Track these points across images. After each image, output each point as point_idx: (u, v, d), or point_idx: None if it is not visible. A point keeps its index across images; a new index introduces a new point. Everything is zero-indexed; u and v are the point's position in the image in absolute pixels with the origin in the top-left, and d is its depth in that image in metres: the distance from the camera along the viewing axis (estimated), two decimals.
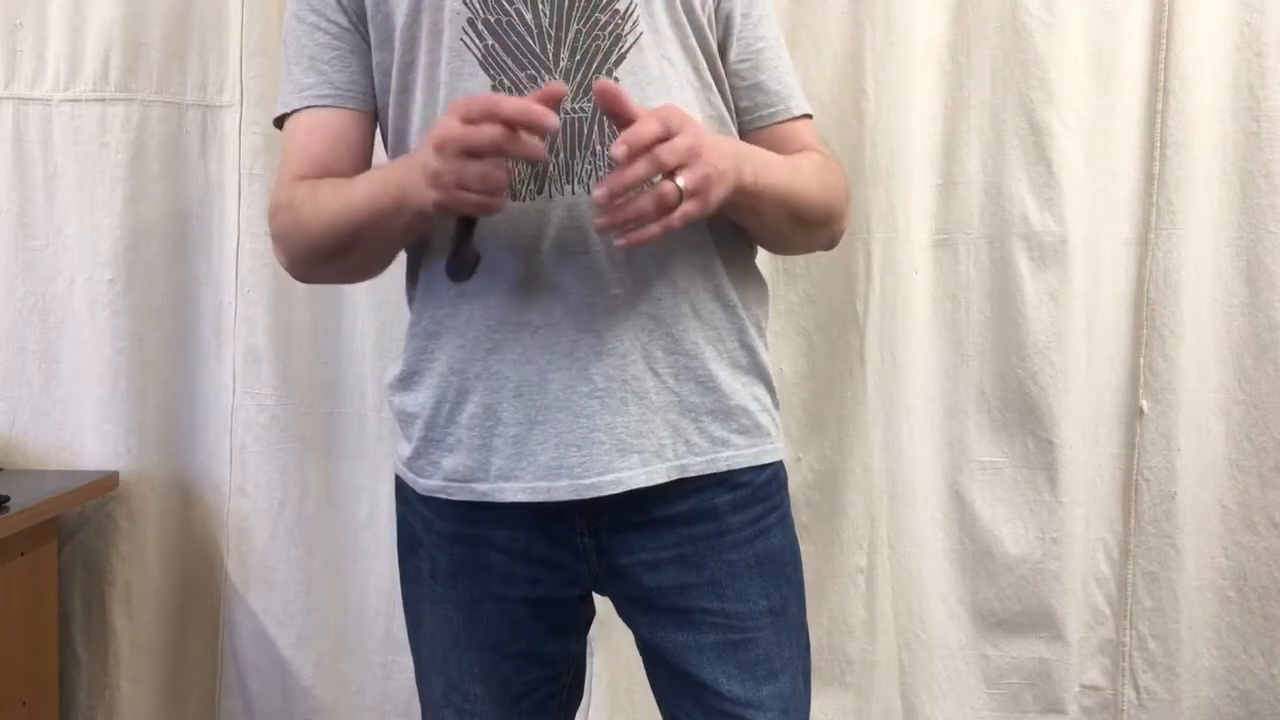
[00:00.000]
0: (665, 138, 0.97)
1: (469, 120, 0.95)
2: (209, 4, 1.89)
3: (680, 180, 0.97)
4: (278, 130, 1.22)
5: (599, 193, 0.97)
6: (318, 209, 1.12)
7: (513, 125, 0.95)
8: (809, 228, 1.20)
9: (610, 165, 0.99)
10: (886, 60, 1.83)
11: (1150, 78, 1.83)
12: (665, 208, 0.98)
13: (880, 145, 1.84)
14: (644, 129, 0.96)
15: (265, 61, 1.88)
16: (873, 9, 1.82)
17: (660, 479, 1.12)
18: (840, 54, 1.84)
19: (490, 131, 0.95)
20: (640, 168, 0.96)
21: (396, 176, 1.04)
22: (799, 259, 1.86)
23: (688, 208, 0.99)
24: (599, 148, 1.09)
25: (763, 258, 1.28)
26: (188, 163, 1.93)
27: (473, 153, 0.96)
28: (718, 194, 1.02)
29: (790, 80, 1.23)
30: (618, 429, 1.10)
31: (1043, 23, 1.81)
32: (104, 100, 1.89)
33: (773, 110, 1.21)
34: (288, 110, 1.20)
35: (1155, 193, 1.84)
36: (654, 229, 0.99)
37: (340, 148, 1.18)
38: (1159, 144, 1.83)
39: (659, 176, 0.98)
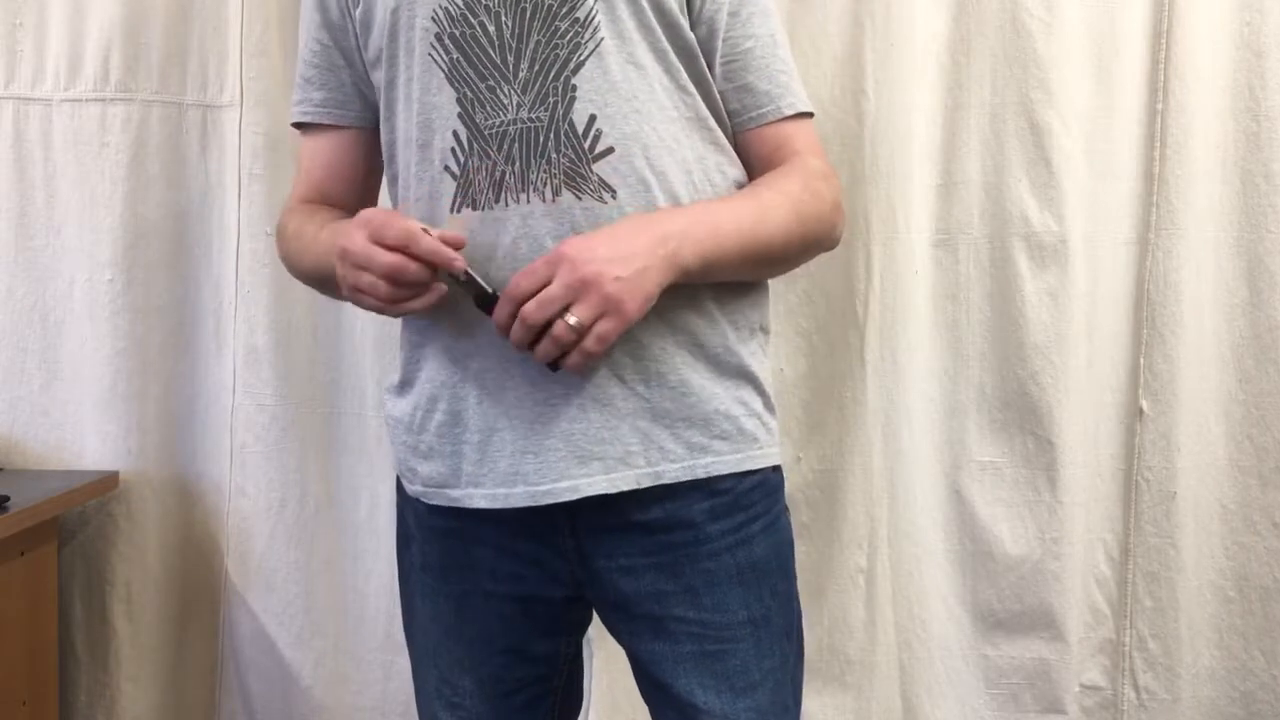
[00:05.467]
0: (531, 294, 1.02)
1: (379, 242, 1.04)
2: (209, 4, 1.90)
3: (572, 318, 1.01)
4: (281, 130, 1.29)
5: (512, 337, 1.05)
6: (300, 247, 1.23)
7: (421, 261, 1.04)
8: (783, 261, 1.20)
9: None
10: (886, 60, 1.83)
11: (1150, 78, 1.83)
12: (565, 347, 1.03)
13: (880, 145, 1.83)
14: (496, 318, 1.05)
15: (265, 62, 1.88)
16: (873, 9, 1.82)
17: (628, 486, 1.11)
18: (840, 54, 1.84)
19: (389, 260, 1.03)
20: (518, 334, 1.03)
21: (334, 247, 1.11)
22: None
23: (602, 328, 1.02)
24: (554, 155, 1.09)
25: None
26: (188, 163, 1.93)
27: (370, 271, 1.05)
28: (637, 301, 1.04)
29: (784, 79, 1.19)
30: (575, 436, 1.10)
31: (1043, 23, 1.80)
32: (104, 100, 1.89)
33: (761, 111, 1.18)
34: (292, 120, 1.32)
35: (1155, 193, 1.84)
36: (575, 359, 1.04)
37: (332, 171, 1.29)
38: (1159, 144, 1.83)
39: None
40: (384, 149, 1.22)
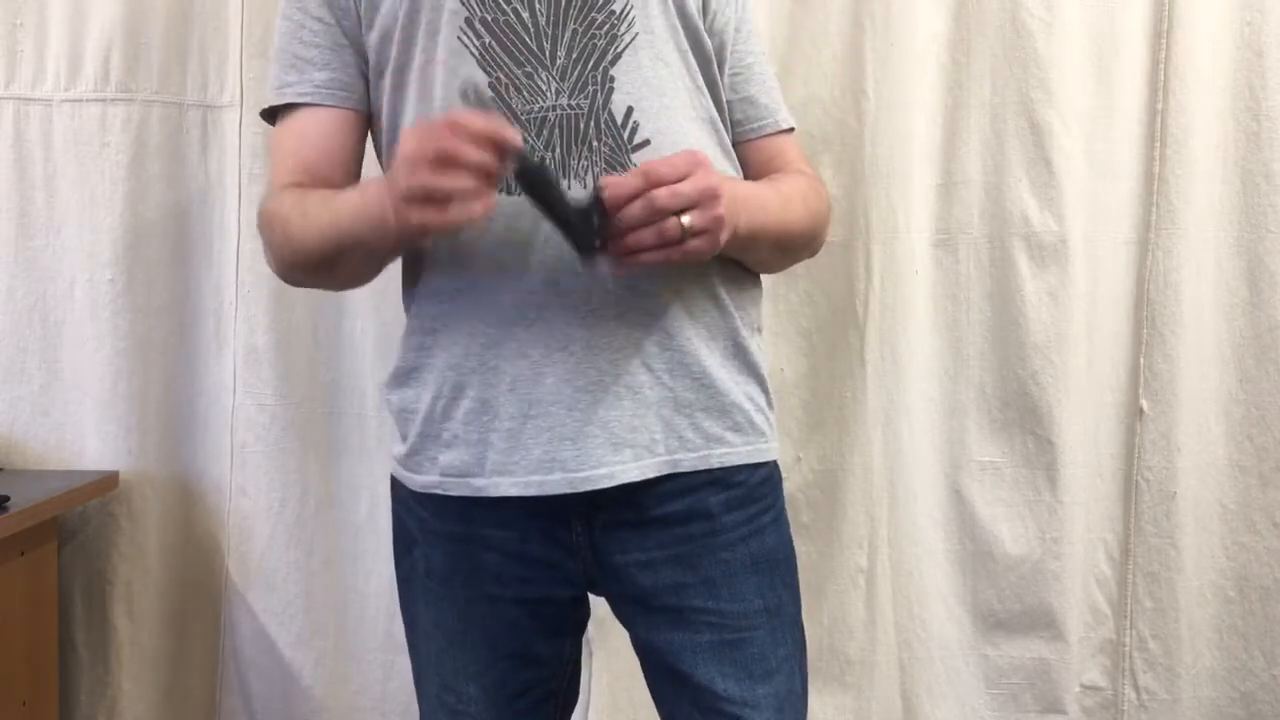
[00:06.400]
0: (668, 182, 0.99)
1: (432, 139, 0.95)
2: (209, 4, 1.89)
3: (686, 219, 1.00)
4: (269, 125, 1.24)
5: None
6: (305, 223, 1.12)
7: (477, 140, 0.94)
8: (793, 253, 1.26)
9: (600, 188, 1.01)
10: (886, 60, 1.83)
11: (1150, 77, 1.83)
12: (667, 242, 1.01)
13: (880, 145, 1.84)
14: (625, 183, 1.00)
15: (265, 62, 1.86)
16: (873, 9, 1.82)
17: (651, 473, 1.13)
18: (840, 54, 1.84)
19: (443, 142, 0.93)
20: (640, 211, 0.99)
21: (382, 193, 1.03)
22: None
23: (696, 244, 1.02)
24: (595, 143, 1.11)
25: None
26: (188, 163, 1.93)
27: (433, 163, 0.94)
28: (724, 236, 1.05)
29: (776, 94, 1.28)
30: (611, 424, 1.11)
31: (1043, 23, 1.81)
32: (104, 100, 1.89)
33: (763, 123, 1.25)
34: (267, 105, 1.22)
35: (1155, 192, 1.84)
36: (653, 256, 1.01)
37: (328, 152, 1.20)
38: (1159, 143, 1.83)
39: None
40: (384, 134, 1.20)
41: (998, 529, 1.88)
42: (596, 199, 1.01)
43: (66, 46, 1.88)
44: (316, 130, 1.20)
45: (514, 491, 1.12)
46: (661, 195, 0.99)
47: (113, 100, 1.89)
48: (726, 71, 1.23)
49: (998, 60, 1.83)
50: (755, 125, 1.25)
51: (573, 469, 1.11)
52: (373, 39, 1.18)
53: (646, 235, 1.00)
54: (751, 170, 1.25)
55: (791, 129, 1.29)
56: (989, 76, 1.83)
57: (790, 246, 1.23)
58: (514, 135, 0.95)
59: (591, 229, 1.01)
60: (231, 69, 1.90)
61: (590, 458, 1.11)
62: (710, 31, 1.20)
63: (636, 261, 1.02)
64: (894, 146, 1.84)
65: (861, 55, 1.83)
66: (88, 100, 1.89)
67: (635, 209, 0.99)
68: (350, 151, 1.22)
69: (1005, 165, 1.84)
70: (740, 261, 1.21)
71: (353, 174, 1.23)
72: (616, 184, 1.00)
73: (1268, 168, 1.82)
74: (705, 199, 1.01)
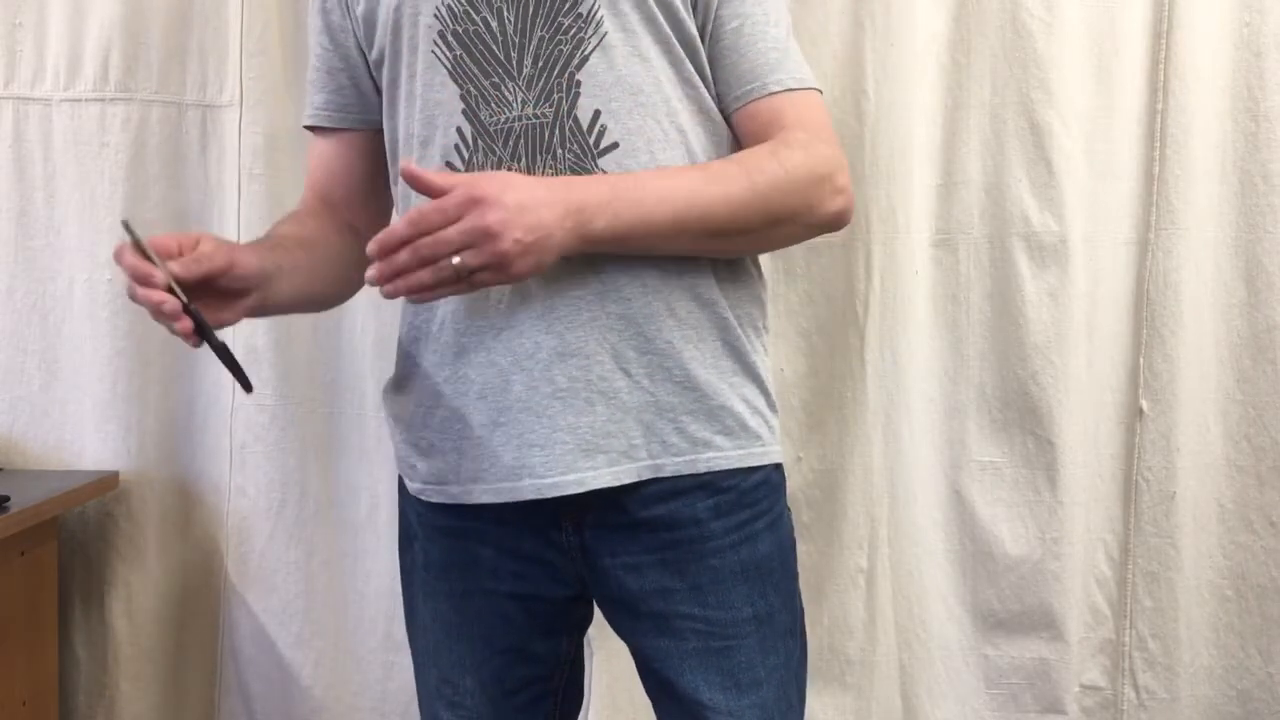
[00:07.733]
0: (435, 228, 0.98)
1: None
2: (209, 4, 1.90)
3: (457, 259, 0.98)
4: (281, 130, 1.30)
5: (369, 274, 1.01)
6: None
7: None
8: (748, 234, 1.13)
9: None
10: (886, 60, 1.83)
11: (1150, 77, 1.83)
12: (442, 281, 1.00)
13: (880, 145, 1.83)
14: (394, 231, 1.00)
15: (265, 61, 1.88)
16: (873, 9, 1.82)
17: (629, 479, 1.11)
18: (840, 54, 1.84)
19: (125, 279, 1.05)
20: (408, 261, 0.99)
21: None
22: (799, 259, 1.86)
23: (485, 277, 1.01)
24: (559, 151, 1.10)
25: (764, 257, 1.28)
26: (188, 163, 1.93)
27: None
28: (527, 264, 1.01)
29: (774, 55, 1.15)
30: (581, 429, 1.10)
31: (1043, 23, 1.80)
32: (104, 100, 1.89)
33: (747, 89, 1.14)
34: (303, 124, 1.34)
35: (1155, 193, 1.84)
36: (440, 290, 1.01)
37: (331, 172, 1.30)
38: (1159, 144, 1.83)
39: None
40: (387, 148, 1.22)
41: (998, 529, 1.88)
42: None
43: (66, 46, 1.88)
44: (321, 151, 1.30)
45: (486, 499, 1.13)
46: (425, 245, 0.98)
47: (112, 100, 1.89)
48: (708, 42, 1.15)
49: (998, 60, 1.83)
50: (740, 93, 1.15)
51: (541, 475, 1.10)
52: (373, 59, 1.20)
53: (424, 275, 0.99)
54: (747, 143, 1.15)
55: (795, 90, 1.15)
56: (989, 76, 1.83)
57: (724, 229, 1.09)
58: (151, 287, 1.05)
59: (238, 366, 1.12)
60: (231, 69, 1.90)
61: (559, 464, 1.10)
62: (695, 8, 1.14)
63: (426, 297, 1.02)
64: (894, 146, 1.84)
65: (861, 55, 1.83)
66: (87, 100, 1.89)
67: (403, 257, 0.99)
68: (352, 171, 1.28)
69: (1005, 165, 1.83)
70: (735, 259, 1.19)
71: (362, 190, 1.29)
72: (384, 234, 1.00)
73: (1266, 168, 1.82)
74: (478, 239, 0.98)
